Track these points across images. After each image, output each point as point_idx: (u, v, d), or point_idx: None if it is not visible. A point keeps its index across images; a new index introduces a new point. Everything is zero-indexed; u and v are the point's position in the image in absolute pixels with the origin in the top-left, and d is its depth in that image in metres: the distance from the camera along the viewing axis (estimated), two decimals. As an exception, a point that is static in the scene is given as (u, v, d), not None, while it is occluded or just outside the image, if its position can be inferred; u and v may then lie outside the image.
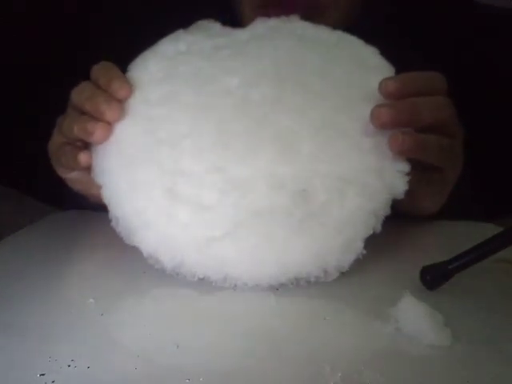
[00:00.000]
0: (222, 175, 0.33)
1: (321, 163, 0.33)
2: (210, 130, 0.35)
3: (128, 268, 0.36)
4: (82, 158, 0.37)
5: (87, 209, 0.47)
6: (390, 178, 0.34)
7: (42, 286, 0.32)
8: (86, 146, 0.39)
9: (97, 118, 0.36)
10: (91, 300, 0.30)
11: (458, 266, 0.30)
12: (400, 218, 0.45)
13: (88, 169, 0.39)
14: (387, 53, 0.39)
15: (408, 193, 0.35)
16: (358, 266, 0.35)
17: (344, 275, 0.34)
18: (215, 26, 0.42)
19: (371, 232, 0.33)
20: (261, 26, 0.41)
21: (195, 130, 0.35)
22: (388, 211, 0.34)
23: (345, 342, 0.26)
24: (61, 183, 0.46)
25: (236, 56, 0.38)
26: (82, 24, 0.71)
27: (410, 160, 0.35)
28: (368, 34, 0.40)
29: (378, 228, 0.33)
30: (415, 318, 0.27)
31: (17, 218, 0.57)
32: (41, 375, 0.23)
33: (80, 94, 0.38)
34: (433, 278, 0.31)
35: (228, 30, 0.42)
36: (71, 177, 0.43)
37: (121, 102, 0.37)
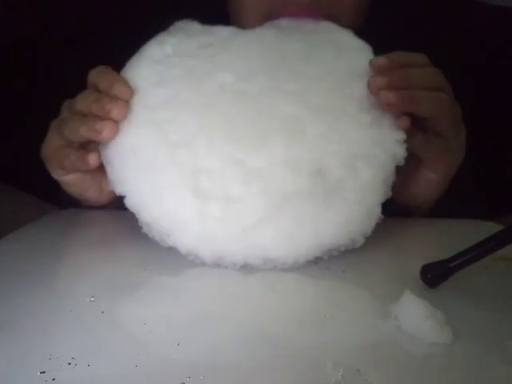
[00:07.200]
0: (241, 167, 0.35)
1: (328, 142, 0.36)
2: (218, 126, 0.36)
3: (128, 266, 0.36)
4: (92, 158, 0.39)
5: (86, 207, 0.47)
6: (390, 147, 0.36)
7: (41, 285, 0.32)
8: (83, 148, 0.40)
9: (103, 117, 0.37)
10: (91, 298, 0.30)
11: (459, 264, 0.30)
12: (400, 218, 0.45)
13: (86, 171, 0.41)
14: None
15: (410, 158, 0.37)
16: (359, 265, 0.35)
17: (345, 273, 0.34)
18: (193, 26, 0.43)
19: (385, 198, 0.36)
20: None
21: (204, 127, 0.36)
22: (395, 178, 0.37)
23: (346, 339, 0.26)
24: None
25: (223, 52, 0.40)
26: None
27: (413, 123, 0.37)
28: (369, 36, 0.40)
29: (389, 194, 0.36)
30: (416, 316, 0.27)
31: (16, 216, 0.57)
32: (41, 373, 0.23)
33: (85, 99, 0.39)
34: (433, 276, 0.31)
35: (207, 27, 0.43)
36: (68, 179, 0.43)
37: (125, 102, 0.37)
